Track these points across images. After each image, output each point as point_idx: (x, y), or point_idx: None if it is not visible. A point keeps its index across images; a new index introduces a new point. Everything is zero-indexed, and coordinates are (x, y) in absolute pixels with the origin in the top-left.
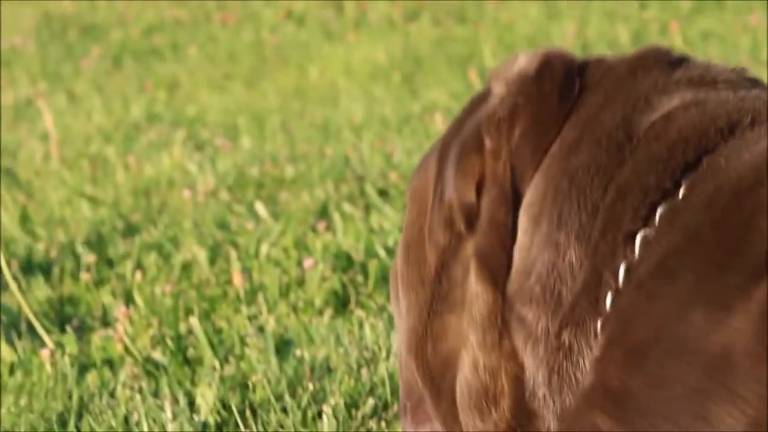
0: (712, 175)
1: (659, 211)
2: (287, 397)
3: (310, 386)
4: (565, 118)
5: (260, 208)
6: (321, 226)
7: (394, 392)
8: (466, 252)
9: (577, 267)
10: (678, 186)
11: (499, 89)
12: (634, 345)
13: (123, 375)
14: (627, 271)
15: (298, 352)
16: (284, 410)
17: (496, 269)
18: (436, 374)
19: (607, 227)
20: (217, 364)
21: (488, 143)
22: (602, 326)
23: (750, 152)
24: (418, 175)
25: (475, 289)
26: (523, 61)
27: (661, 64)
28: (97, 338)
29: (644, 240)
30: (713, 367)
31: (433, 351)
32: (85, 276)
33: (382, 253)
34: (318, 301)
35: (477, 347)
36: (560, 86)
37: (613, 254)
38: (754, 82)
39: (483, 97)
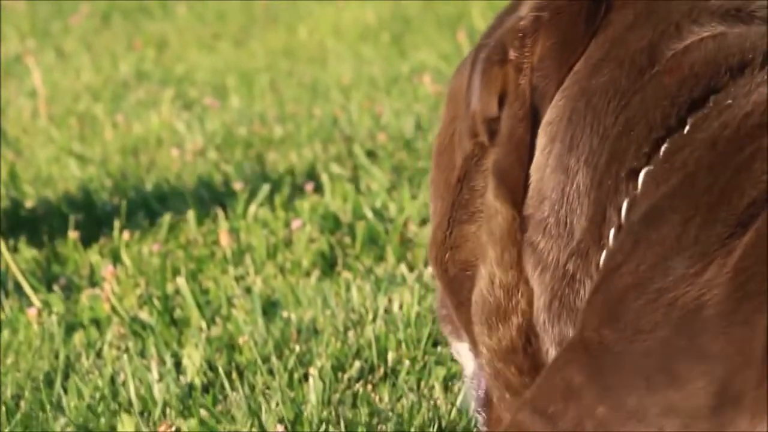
0: (718, 115)
1: (662, 148)
2: (274, 359)
3: (297, 348)
4: (591, 36)
5: (248, 168)
6: (309, 187)
7: (381, 355)
8: (489, 163)
9: (585, 194)
10: (683, 124)
11: None
12: (616, 293)
13: (110, 335)
14: (629, 209)
15: (285, 314)
16: (270, 372)
17: (514, 187)
18: (455, 283)
19: (612, 160)
20: (203, 324)
21: (512, 55)
22: (603, 261)
23: (759, 93)
24: (455, 78)
25: (493, 204)
26: None
27: None
28: (84, 298)
29: (646, 177)
30: (685, 322)
31: (452, 260)
32: (72, 235)
33: (369, 214)
34: (305, 263)
35: (494, 263)
36: (587, 2)
37: (617, 190)
38: None
39: (517, 4)
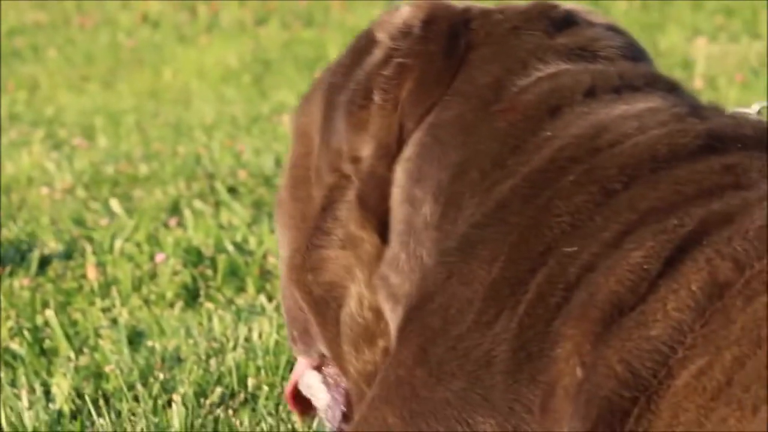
0: (537, 149)
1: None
2: (139, 387)
3: (161, 376)
4: (453, 75)
5: (115, 204)
6: (173, 222)
7: (241, 381)
8: (352, 195)
9: (432, 227)
10: (506, 166)
11: (384, 40)
12: (428, 333)
13: None
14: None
15: (149, 344)
16: (136, 399)
17: (378, 217)
18: (320, 303)
19: (450, 205)
20: (72, 354)
21: (377, 98)
22: (417, 283)
23: (577, 125)
24: (302, 112)
25: (358, 234)
26: (407, 13)
27: (545, 25)
28: None
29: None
30: (477, 376)
31: (315, 282)
32: None
33: (230, 248)
34: (169, 294)
35: (364, 285)
36: (446, 44)
37: (454, 235)
38: (636, 57)
39: (367, 45)
